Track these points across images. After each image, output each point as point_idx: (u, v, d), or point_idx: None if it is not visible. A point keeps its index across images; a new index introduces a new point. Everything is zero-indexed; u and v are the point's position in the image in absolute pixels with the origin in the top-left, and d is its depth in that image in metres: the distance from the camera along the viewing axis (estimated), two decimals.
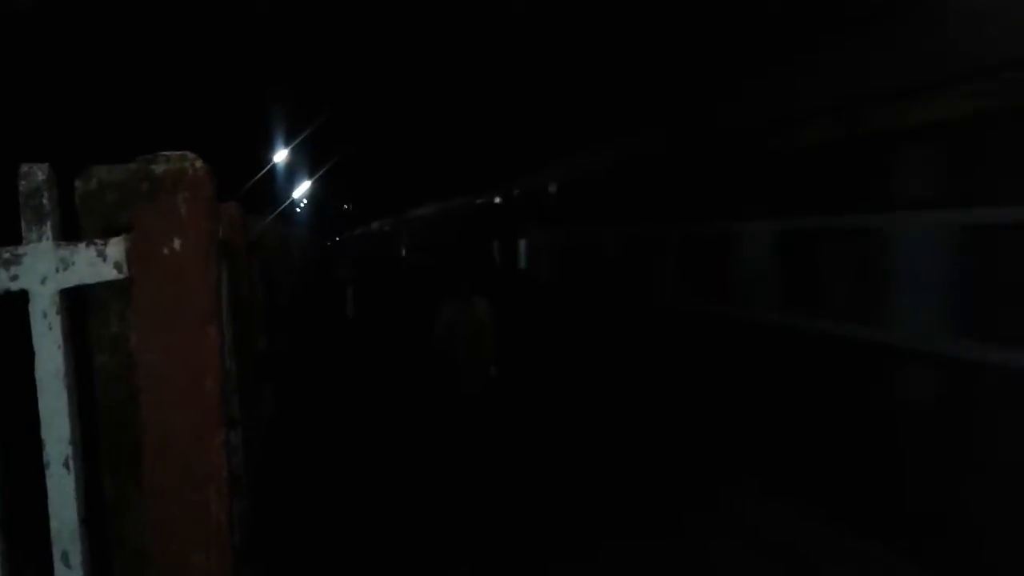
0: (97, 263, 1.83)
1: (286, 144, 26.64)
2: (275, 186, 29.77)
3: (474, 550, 6.17)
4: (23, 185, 1.83)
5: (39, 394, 1.82)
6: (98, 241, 1.84)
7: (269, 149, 25.25)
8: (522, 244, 19.66)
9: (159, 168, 1.82)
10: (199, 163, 1.84)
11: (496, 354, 8.46)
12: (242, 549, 2.82)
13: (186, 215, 1.81)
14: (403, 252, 41.63)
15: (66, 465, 1.82)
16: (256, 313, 4.70)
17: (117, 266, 1.83)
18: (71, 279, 1.83)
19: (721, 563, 5.93)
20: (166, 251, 1.80)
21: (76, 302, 1.91)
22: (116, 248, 1.83)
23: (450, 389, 8.53)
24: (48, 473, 1.82)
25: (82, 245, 1.84)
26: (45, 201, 1.83)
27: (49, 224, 1.83)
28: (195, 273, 1.82)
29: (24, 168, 1.83)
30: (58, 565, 1.83)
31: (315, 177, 39.35)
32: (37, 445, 1.83)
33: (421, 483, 7.63)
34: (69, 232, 1.91)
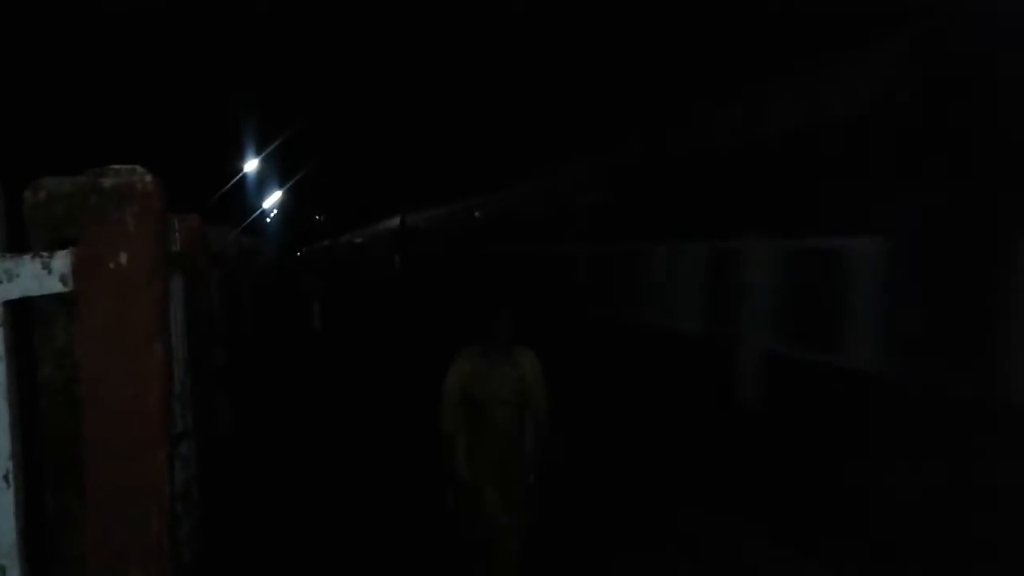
0: (43, 275, 1.82)
1: (256, 154, 26.54)
2: (243, 197, 29.60)
3: None
4: None
5: None
6: (44, 253, 1.83)
7: (238, 160, 25.12)
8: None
9: (108, 181, 1.81)
10: (148, 177, 1.84)
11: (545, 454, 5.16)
12: (191, 564, 2.79)
13: (134, 229, 1.81)
14: (376, 265, 41.10)
15: (6, 479, 1.80)
16: (214, 326, 4.68)
17: (63, 279, 1.82)
18: (15, 291, 1.81)
19: None
20: (112, 265, 1.80)
21: (21, 315, 1.90)
22: (62, 261, 1.82)
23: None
24: None
25: (27, 257, 1.83)
26: None
27: None
28: (141, 288, 1.81)
29: None
30: None
31: (285, 188, 39.21)
32: None
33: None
34: (16, 244, 1.90)
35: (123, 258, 1.80)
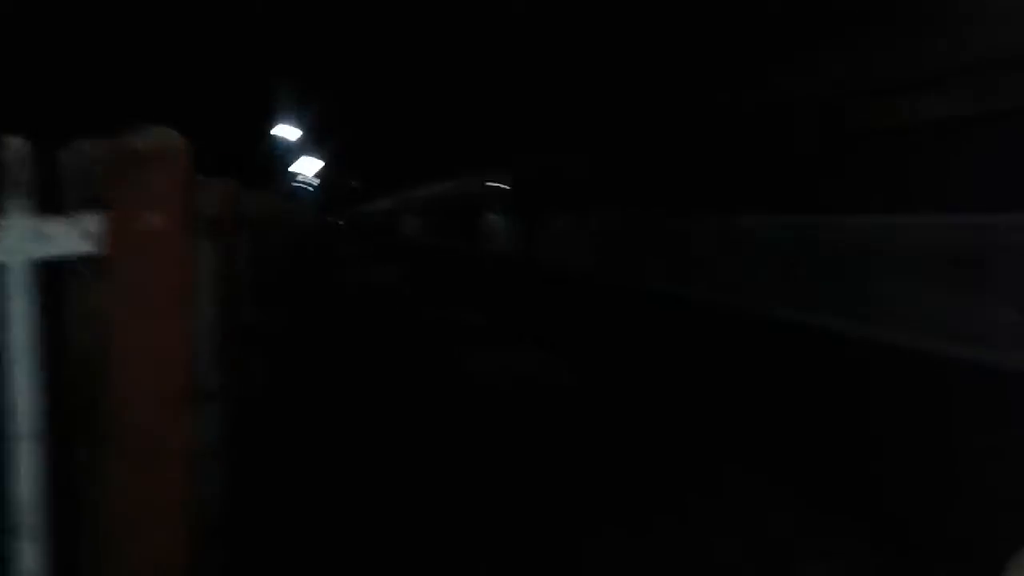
0: (74, 236, 1.85)
1: (293, 121, 26.64)
2: (281, 163, 29.78)
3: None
4: (2, 156, 1.84)
5: (12, 364, 1.84)
6: (76, 215, 1.85)
7: (275, 125, 25.22)
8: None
9: (139, 143, 1.83)
10: (178, 139, 1.85)
11: None
12: (216, 524, 2.84)
13: (163, 191, 1.82)
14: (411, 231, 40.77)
15: (34, 436, 1.84)
16: (243, 288, 4.72)
17: (94, 240, 1.84)
18: (47, 251, 1.84)
19: None
20: (143, 226, 1.81)
21: (53, 275, 1.92)
22: (93, 222, 1.84)
23: None
24: (17, 443, 1.84)
25: (60, 218, 1.85)
26: (23, 173, 1.84)
27: (27, 196, 1.85)
28: (171, 249, 1.83)
29: (3, 140, 1.85)
30: (23, 534, 1.85)
31: (321, 154, 39.38)
32: (6, 414, 1.85)
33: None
34: (51, 205, 1.92)
35: (154, 219, 1.81)
